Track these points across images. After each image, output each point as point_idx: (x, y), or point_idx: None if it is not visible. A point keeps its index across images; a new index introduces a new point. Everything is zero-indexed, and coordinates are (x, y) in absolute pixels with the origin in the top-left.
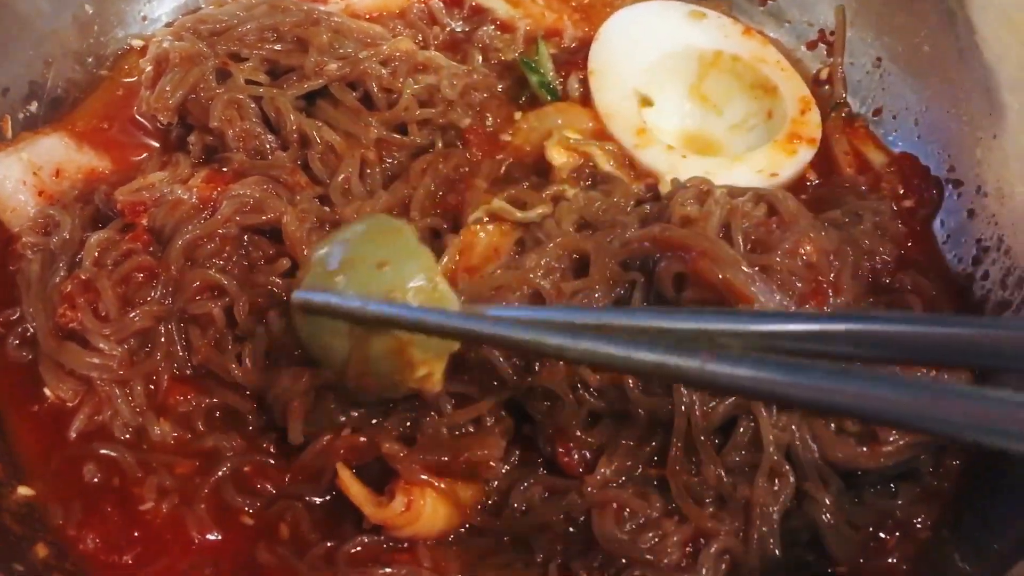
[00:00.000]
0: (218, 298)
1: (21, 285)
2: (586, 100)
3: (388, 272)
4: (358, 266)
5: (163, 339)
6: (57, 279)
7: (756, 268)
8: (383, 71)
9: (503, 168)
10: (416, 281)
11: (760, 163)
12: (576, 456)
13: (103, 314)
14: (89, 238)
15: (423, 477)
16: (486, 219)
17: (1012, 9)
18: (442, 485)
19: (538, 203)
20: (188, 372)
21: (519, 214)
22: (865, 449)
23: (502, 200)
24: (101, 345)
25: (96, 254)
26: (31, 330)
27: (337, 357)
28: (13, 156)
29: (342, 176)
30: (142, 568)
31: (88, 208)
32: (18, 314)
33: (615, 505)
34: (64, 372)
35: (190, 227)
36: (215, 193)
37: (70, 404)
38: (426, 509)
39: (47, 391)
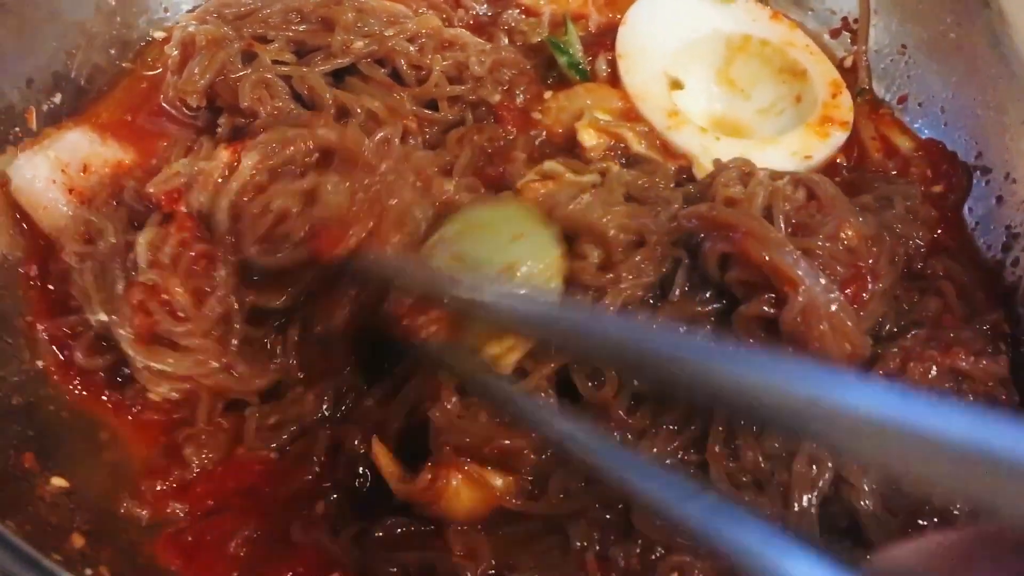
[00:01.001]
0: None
1: (79, 296)
2: (614, 81)
3: (523, 244)
4: (496, 233)
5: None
6: (120, 288)
7: (799, 252)
8: (411, 48)
9: (537, 143)
10: (547, 260)
11: (794, 145)
12: (618, 437)
13: (179, 314)
14: (137, 240)
15: (453, 459)
16: (538, 180)
17: None
18: (470, 468)
19: (587, 171)
20: None
21: (570, 174)
22: None
23: (554, 163)
24: (186, 343)
25: (150, 256)
26: (94, 337)
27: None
28: (40, 155)
29: (380, 136)
30: None
31: (121, 208)
32: (80, 324)
33: None
34: (161, 375)
35: (224, 190)
36: (238, 155)
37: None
38: (449, 488)
39: (150, 395)
